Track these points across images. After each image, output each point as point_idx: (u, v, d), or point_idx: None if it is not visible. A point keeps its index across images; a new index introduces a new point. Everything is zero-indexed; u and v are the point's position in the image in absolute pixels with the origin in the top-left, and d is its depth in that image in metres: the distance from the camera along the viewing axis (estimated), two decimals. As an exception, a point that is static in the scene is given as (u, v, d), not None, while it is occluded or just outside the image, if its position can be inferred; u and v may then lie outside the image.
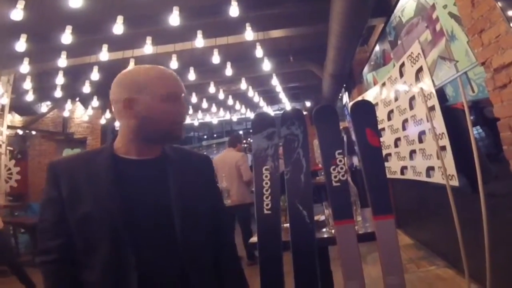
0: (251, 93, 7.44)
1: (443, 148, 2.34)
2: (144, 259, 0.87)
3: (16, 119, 8.10)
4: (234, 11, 3.60)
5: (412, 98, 2.82)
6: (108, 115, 7.83)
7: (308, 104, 9.42)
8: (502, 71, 1.75)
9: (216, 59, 4.90)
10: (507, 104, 1.77)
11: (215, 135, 16.68)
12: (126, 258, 0.85)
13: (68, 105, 7.35)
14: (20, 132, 7.99)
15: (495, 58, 1.78)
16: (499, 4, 1.57)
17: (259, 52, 4.83)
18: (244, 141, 4.88)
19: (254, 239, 1.53)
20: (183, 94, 0.97)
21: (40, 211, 0.95)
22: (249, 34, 4.11)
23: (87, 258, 0.87)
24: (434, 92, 2.39)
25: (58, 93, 5.93)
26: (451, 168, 2.26)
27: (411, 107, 2.88)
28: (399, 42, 3.27)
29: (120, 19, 3.75)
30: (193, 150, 1.25)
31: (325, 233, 1.63)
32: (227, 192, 4.05)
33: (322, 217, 1.73)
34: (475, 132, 2.49)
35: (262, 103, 8.80)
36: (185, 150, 1.12)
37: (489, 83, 1.89)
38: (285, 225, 1.58)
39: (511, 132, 1.77)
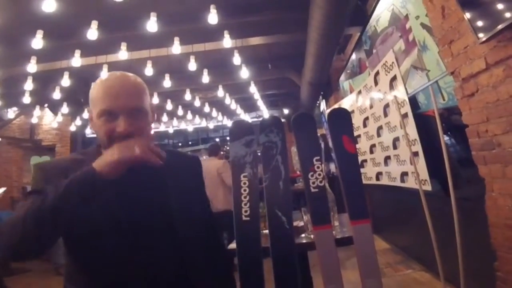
0: (228, 100, 7.41)
1: (416, 154, 2.41)
2: (143, 259, 0.87)
3: (-19, 125, 7.71)
4: (212, 18, 3.58)
5: (386, 106, 2.90)
6: (78, 122, 7.58)
7: (286, 111, 9.51)
8: (470, 80, 1.83)
9: (192, 66, 4.85)
10: (475, 112, 1.85)
11: (190, 143, 16.44)
12: (125, 259, 0.85)
13: (37, 111, 7.07)
14: (-16, 139, 7.61)
15: (463, 68, 1.86)
16: (467, 16, 1.65)
17: (237, 59, 4.83)
18: (222, 149, 4.85)
19: (232, 245, 1.51)
20: (125, 111, 0.88)
21: (22, 203, 0.86)
22: (227, 41, 4.11)
23: (88, 258, 0.87)
24: (407, 100, 2.47)
25: (26, 99, 5.69)
26: (424, 173, 2.33)
27: (386, 114, 2.96)
28: (374, 51, 3.36)
29: (94, 24, 3.65)
30: (183, 152, 1.30)
31: (304, 238, 1.63)
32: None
33: (301, 223, 1.74)
34: (446, 138, 2.59)
35: (239, 111, 8.78)
36: (176, 152, 1.15)
37: (458, 91, 1.97)
38: (264, 231, 1.57)
39: (479, 138, 1.85)
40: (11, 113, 7.68)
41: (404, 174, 2.74)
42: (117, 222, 0.87)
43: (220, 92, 6.74)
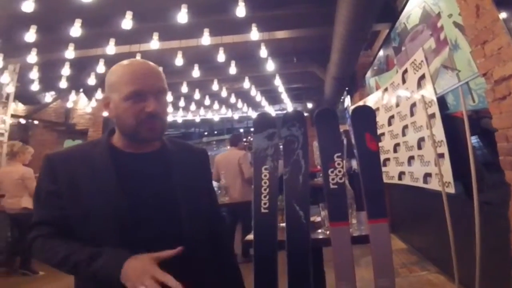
0: (253, 92, 7.47)
1: (441, 155, 2.37)
2: (147, 252, 0.85)
3: (19, 108, 8.11)
4: (241, 11, 3.62)
5: (413, 105, 2.85)
6: (111, 107, 7.84)
7: (310, 105, 9.43)
8: (503, 83, 1.77)
9: (221, 57, 4.93)
10: (506, 116, 1.79)
11: (215, 132, 16.66)
12: (130, 252, 0.83)
13: (72, 96, 7.36)
14: (22, 121, 8.01)
15: (496, 70, 1.81)
16: (503, 16, 1.60)
17: (263, 52, 4.86)
18: (245, 139, 4.91)
19: (250, 236, 1.55)
20: (153, 93, 0.92)
21: (38, 206, 0.93)
22: (254, 34, 4.14)
23: None
24: (435, 99, 2.42)
25: (63, 84, 5.97)
26: (448, 175, 2.29)
27: (412, 114, 2.91)
28: (403, 48, 3.29)
29: (129, 15, 3.79)
30: (190, 143, 1.26)
31: (320, 234, 1.65)
32: (226, 190, 4.10)
33: (318, 218, 1.76)
34: (473, 141, 2.52)
35: (264, 103, 8.81)
36: (184, 143, 1.14)
37: (489, 94, 1.92)
38: (281, 224, 1.60)
39: (507, 143, 1.80)
40: (49, 97, 8.05)
41: (427, 175, 2.70)
42: (123, 215, 0.87)
43: (246, 84, 6.81)
